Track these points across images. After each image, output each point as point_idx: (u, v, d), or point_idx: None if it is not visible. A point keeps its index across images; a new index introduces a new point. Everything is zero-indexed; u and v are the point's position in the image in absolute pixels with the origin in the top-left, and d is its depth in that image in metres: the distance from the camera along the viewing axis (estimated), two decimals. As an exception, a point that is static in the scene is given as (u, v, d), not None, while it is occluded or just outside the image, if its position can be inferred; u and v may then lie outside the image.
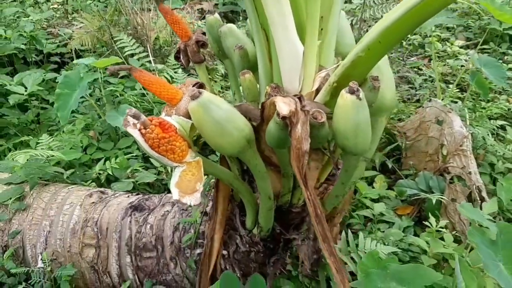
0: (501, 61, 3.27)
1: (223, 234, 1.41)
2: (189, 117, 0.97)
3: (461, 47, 3.38)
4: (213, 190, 1.38)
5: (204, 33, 1.27)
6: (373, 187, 2.17)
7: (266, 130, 0.99)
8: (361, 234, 1.69)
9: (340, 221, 1.60)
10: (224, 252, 1.43)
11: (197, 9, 3.88)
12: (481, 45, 3.60)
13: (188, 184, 0.91)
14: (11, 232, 1.67)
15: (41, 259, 1.61)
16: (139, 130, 0.89)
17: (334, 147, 1.21)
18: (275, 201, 1.26)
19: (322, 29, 1.19)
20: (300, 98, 0.93)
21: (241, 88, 1.20)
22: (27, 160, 1.78)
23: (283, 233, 1.38)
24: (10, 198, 1.70)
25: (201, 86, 1.04)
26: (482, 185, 1.95)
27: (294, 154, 0.92)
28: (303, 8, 1.10)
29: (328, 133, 1.01)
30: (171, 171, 1.87)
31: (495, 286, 1.26)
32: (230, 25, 1.28)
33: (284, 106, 0.90)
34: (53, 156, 1.84)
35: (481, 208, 1.75)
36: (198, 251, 1.49)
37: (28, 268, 1.58)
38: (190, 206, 0.93)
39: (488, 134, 2.30)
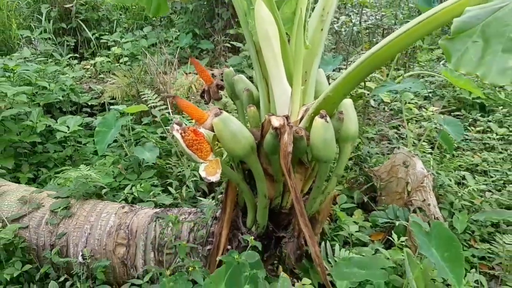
0: (471, 126, 3.81)
1: (228, 231, 1.84)
2: (212, 131, 1.46)
3: (433, 113, 3.92)
4: (223, 196, 1.83)
5: (222, 80, 1.79)
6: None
7: (264, 140, 1.47)
8: (337, 245, 2.10)
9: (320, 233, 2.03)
10: (229, 247, 1.85)
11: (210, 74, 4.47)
12: (453, 111, 4.18)
13: (211, 170, 1.37)
14: (58, 234, 2.09)
15: (81, 255, 2.02)
16: (180, 133, 1.36)
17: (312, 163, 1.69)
18: (269, 203, 1.71)
19: (306, 80, 1.71)
20: (287, 117, 1.42)
21: (246, 118, 1.70)
22: (75, 177, 2.23)
23: (275, 231, 1.81)
24: (59, 207, 2.14)
25: (220, 111, 1.52)
26: (440, 216, 2.39)
27: (282, 154, 1.40)
28: (292, 66, 1.61)
29: (305, 146, 1.50)
30: (186, 195, 2.33)
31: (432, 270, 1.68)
32: (241, 75, 1.80)
33: (276, 121, 1.39)
34: (91, 178, 2.30)
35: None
36: (208, 247, 1.91)
37: (70, 259, 1.99)
38: (213, 182, 1.37)
39: (450, 180, 2.77)
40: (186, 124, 1.39)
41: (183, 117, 3.06)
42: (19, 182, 2.54)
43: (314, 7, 1.80)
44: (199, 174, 1.39)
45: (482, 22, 1.10)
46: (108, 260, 1.98)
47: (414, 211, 2.41)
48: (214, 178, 1.33)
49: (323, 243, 2.09)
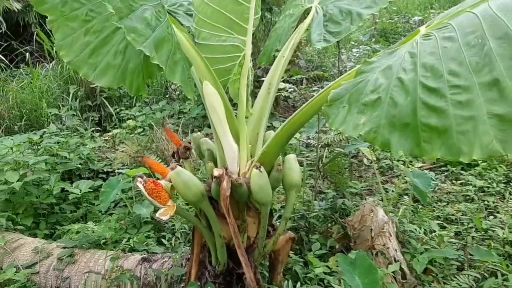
0: (454, 179, 4.07)
1: (197, 270, 2.18)
2: (170, 182, 1.86)
3: (420, 168, 4.21)
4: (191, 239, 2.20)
5: (189, 143, 2.21)
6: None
7: (211, 188, 1.86)
8: (299, 283, 2.39)
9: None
10: (198, 283, 2.18)
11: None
12: (441, 167, 4.45)
13: (165, 213, 1.76)
14: (62, 277, 2.47)
15: (80, 295, 2.39)
16: (142, 184, 1.77)
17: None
18: (227, 243, 2.06)
19: (257, 138, 2.11)
20: (226, 168, 1.82)
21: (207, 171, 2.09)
22: (81, 230, 2.64)
23: (235, 268, 2.14)
24: (65, 255, 2.54)
25: (176, 166, 1.93)
26: (401, 259, 2.65)
27: (222, 197, 1.78)
28: (238, 130, 2.02)
29: (246, 191, 1.86)
30: (176, 245, 2.68)
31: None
32: (206, 138, 2.22)
33: (216, 171, 1.79)
34: (94, 231, 2.72)
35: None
36: (182, 285, 2.24)
37: (71, 299, 2.36)
38: (165, 222, 1.74)
39: (420, 228, 3.04)
40: (148, 178, 1.80)
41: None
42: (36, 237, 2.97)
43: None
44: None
45: (348, 93, 1.50)
46: (101, 299, 2.34)
47: (377, 255, 2.68)
48: (165, 218, 1.72)
49: (286, 282, 2.38)
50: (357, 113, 1.42)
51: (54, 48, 5.65)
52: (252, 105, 2.15)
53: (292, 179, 2.02)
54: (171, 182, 1.86)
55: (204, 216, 2.09)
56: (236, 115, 2.04)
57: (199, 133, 2.27)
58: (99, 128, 5.27)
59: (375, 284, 1.79)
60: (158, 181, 1.82)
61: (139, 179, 1.78)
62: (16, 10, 10.63)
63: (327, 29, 2.16)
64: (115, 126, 5.32)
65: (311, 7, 2.37)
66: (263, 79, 2.83)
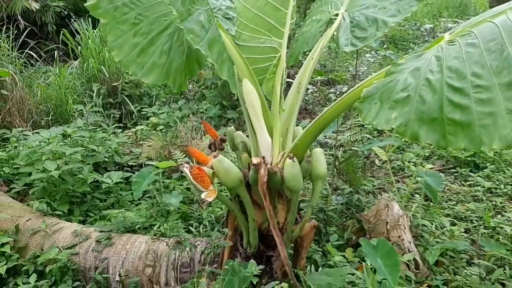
0: (464, 181, 4.26)
1: (230, 252, 2.38)
2: (212, 169, 2.06)
3: (430, 169, 4.39)
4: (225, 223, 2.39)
5: (225, 135, 2.41)
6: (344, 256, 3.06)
7: (249, 174, 2.06)
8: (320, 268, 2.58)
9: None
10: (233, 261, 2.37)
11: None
12: (450, 169, 4.64)
13: (209, 195, 1.95)
14: (101, 258, 2.67)
15: (118, 275, 2.59)
16: (188, 169, 1.97)
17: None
18: (258, 227, 2.25)
19: (286, 134, 2.31)
20: (263, 157, 2.01)
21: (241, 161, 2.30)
22: (116, 217, 2.84)
23: (265, 251, 2.33)
24: (103, 238, 2.74)
25: (218, 154, 2.13)
26: (414, 250, 2.84)
27: (260, 182, 1.97)
28: (272, 123, 2.22)
29: (279, 179, 2.06)
30: (203, 233, 2.87)
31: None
32: (239, 131, 2.43)
33: (254, 160, 1.98)
34: (128, 217, 2.92)
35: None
36: (214, 265, 2.44)
37: (108, 275, 2.56)
38: (209, 202, 1.93)
39: (431, 223, 3.22)
40: (193, 164, 2.00)
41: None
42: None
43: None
44: (202, 199, 1.96)
45: (379, 91, 1.69)
46: (138, 277, 2.54)
47: (392, 246, 2.87)
48: (210, 199, 1.92)
49: (308, 267, 2.58)
50: (388, 108, 1.62)
51: (78, 47, 5.88)
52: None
53: (319, 171, 2.22)
54: (212, 169, 2.06)
55: (237, 201, 2.29)
56: (270, 111, 2.24)
57: (232, 127, 2.48)
58: (120, 125, 5.48)
59: (396, 265, 1.98)
60: (202, 167, 2.02)
61: (185, 165, 1.98)
62: (34, 10, 10.91)
63: (354, 35, 2.36)
64: (136, 123, 5.53)
65: (337, 13, 2.57)
66: (288, 79, 3.03)
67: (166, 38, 2.31)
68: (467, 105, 1.44)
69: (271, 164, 2.14)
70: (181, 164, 2.01)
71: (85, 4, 2.17)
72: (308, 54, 2.44)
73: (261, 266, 2.04)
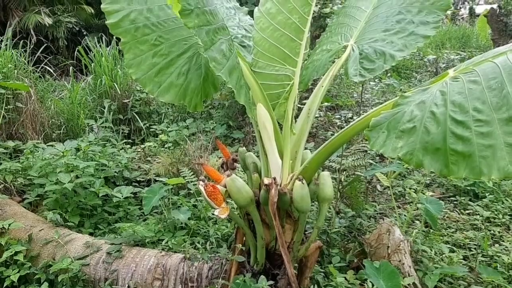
0: (467, 210, 4.36)
1: (237, 269, 2.47)
2: (225, 187, 2.17)
3: (431, 196, 4.49)
4: (233, 240, 2.49)
5: (237, 155, 2.53)
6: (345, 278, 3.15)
7: (260, 194, 2.17)
8: (324, 288, 2.67)
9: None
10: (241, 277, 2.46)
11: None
12: (450, 197, 4.74)
13: (222, 212, 2.06)
14: (111, 270, 2.76)
15: (128, 286, 2.67)
16: (203, 186, 2.08)
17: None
18: (266, 246, 2.35)
19: (296, 157, 2.42)
20: (274, 178, 2.13)
21: (252, 181, 2.41)
22: (126, 230, 2.94)
23: (271, 269, 2.42)
24: (113, 250, 2.83)
25: (231, 173, 2.24)
26: (414, 275, 2.92)
27: (270, 202, 2.08)
28: (283, 146, 2.34)
29: (289, 200, 2.17)
30: (209, 249, 2.96)
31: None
32: (250, 152, 2.55)
33: (266, 180, 2.10)
34: (138, 231, 3.01)
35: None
36: (222, 281, 2.53)
37: (118, 287, 2.64)
38: (222, 219, 2.04)
39: (430, 249, 3.31)
40: (208, 182, 2.12)
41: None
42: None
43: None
44: (216, 216, 2.07)
45: (387, 121, 1.82)
46: (147, 290, 2.62)
47: (392, 269, 2.96)
48: (223, 216, 2.02)
49: (311, 286, 2.66)
50: (395, 138, 1.74)
51: (91, 64, 6.05)
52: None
53: (326, 193, 2.33)
54: (225, 187, 2.17)
55: (247, 219, 2.40)
56: (281, 134, 2.36)
57: (244, 148, 2.60)
58: (128, 141, 5.60)
59: (397, 287, 2.08)
60: (216, 185, 2.13)
61: (201, 182, 2.09)
62: (47, 25, 11.16)
63: (362, 66, 2.49)
64: (144, 140, 5.66)
65: (347, 45, 2.71)
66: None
67: (185, 61, 2.44)
68: (469, 137, 1.56)
69: (281, 185, 2.26)
70: (198, 181, 2.12)
71: (106, 22, 2.30)
72: (318, 81, 2.58)
73: (271, 282, 2.13)
